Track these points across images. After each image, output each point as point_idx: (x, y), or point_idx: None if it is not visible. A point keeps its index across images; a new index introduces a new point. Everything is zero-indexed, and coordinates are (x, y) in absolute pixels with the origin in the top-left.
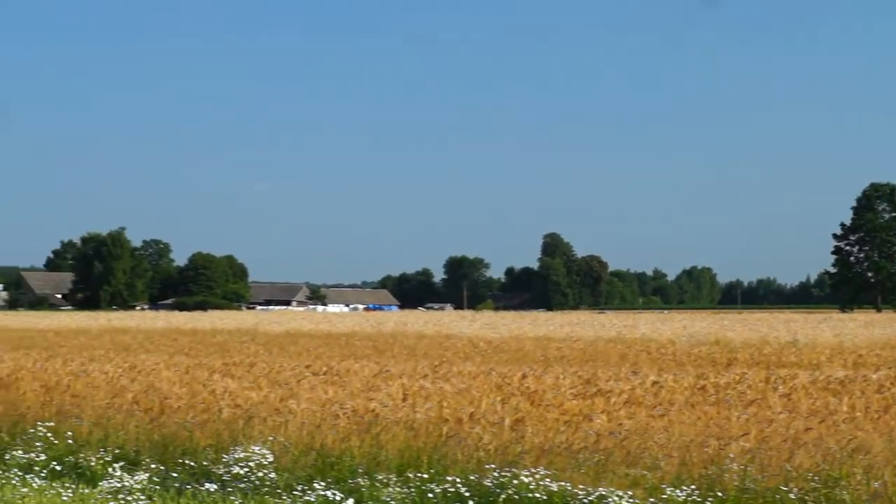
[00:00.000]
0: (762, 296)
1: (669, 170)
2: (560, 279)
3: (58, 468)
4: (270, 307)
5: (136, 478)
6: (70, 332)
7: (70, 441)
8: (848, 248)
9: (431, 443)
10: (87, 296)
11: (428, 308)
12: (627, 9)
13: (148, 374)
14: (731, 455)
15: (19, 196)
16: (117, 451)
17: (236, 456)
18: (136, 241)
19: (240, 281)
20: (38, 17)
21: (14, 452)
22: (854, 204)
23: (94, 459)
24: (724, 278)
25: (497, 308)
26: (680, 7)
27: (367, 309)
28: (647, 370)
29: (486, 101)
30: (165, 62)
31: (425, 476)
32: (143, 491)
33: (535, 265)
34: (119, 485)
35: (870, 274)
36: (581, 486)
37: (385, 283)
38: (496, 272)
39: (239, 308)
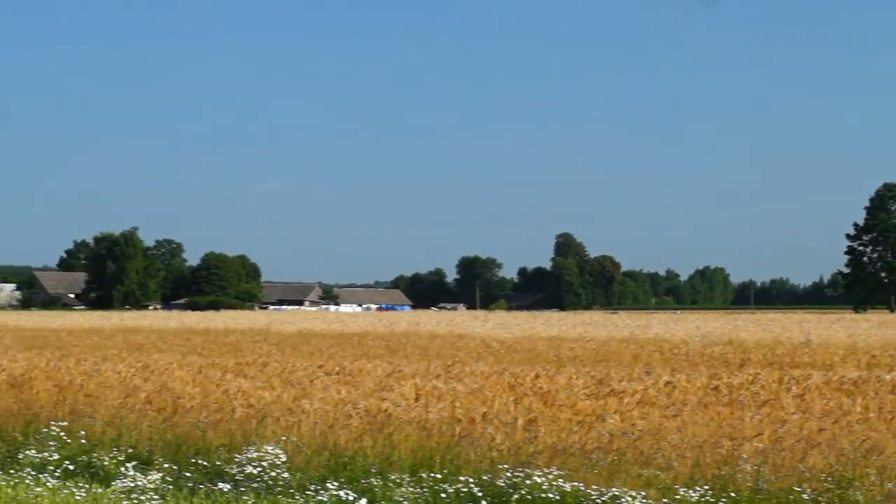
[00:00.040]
0: (775, 296)
1: (682, 170)
2: (573, 279)
3: (71, 468)
4: (283, 307)
5: (149, 477)
6: (83, 331)
7: (83, 440)
8: (861, 248)
9: (444, 443)
10: (99, 295)
11: (440, 308)
12: (627, 8)
13: (161, 374)
14: (745, 455)
15: (32, 196)
16: (130, 451)
17: (249, 456)
18: (148, 241)
19: (252, 281)
20: (38, 17)
21: (27, 452)
22: (867, 204)
23: (107, 459)
24: (736, 278)
25: (510, 308)
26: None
27: (379, 309)
28: (659, 370)
29: (494, 100)
30: (165, 62)
31: (438, 476)
32: (156, 490)
33: (547, 265)
34: (132, 484)
35: (883, 274)
36: (594, 487)
37: (398, 283)
38: (509, 272)
39: (251, 308)
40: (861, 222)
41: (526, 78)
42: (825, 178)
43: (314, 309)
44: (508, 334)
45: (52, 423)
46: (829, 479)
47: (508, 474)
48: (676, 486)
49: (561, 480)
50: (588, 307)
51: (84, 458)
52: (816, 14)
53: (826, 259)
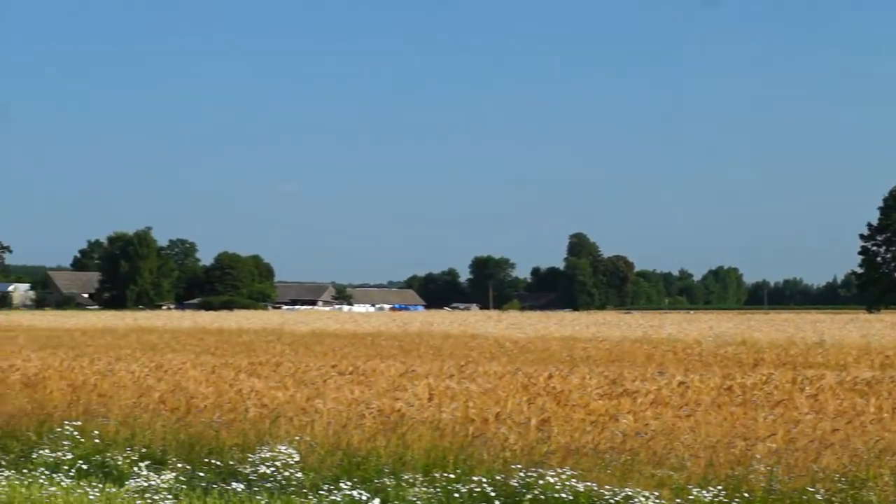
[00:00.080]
0: (789, 296)
1: (694, 170)
2: (586, 279)
3: (84, 467)
4: (296, 307)
5: (162, 477)
6: (96, 331)
7: (97, 440)
8: (875, 248)
9: (457, 443)
10: (113, 295)
11: (454, 308)
12: (628, 9)
13: (174, 374)
14: (758, 456)
15: (44, 196)
16: (144, 451)
17: (263, 455)
18: (162, 241)
19: (266, 281)
20: (38, 17)
21: (41, 451)
22: (881, 204)
23: (120, 458)
24: (750, 279)
25: (523, 308)
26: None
27: (392, 309)
28: (673, 370)
29: (501, 100)
30: (165, 62)
31: (451, 476)
32: (169, 490)
33: (561, 265)
34: (146, 484)
35: None
36: (607, 487)
37: (411, 283)
38: (522, 272)
39: (265, 308)
40: (875, 222)
41: (530, 78)
42: (838, 179)
43: (327, 309)
44: (522, 334)
45: (66, 422)
46: (843, 479)
47: (521, 474)
48: (690, 487)
49: (574, 480)
50: (601, 307)
51: (98, 457)
52: (816, 14)
53: (839, 259)
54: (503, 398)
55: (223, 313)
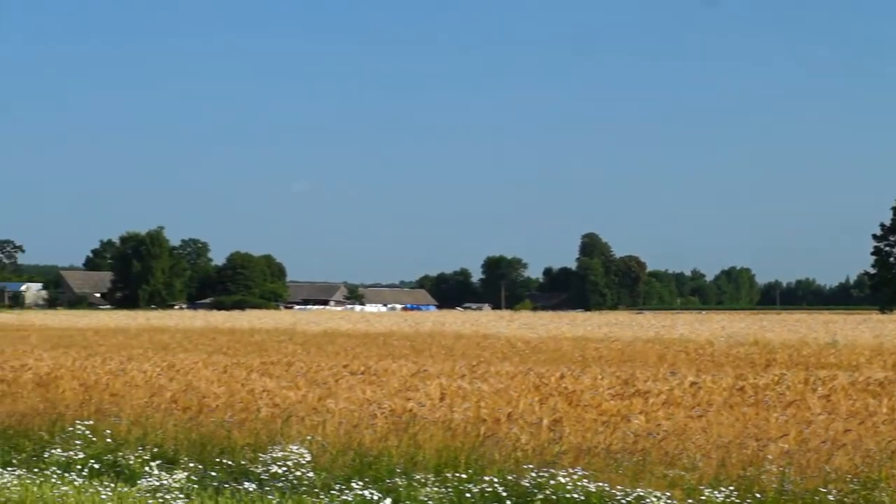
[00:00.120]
0: (801, 297)
1: (707, 170)
2: (598, 279)
3: (96, 466)
4: (308, 307)
5: (174, 476)
6: (109, 331)
7: (109, 439)
8: (887, 248)
9: (469, 443)
10: (125, 295)
11: (466, 308)
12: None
13: (186, 374)
14: (770, 456)
15: (57, 196)
16: (156, 450)
17: (274, 455)
18: (174, 241)
19: (278, 280)
20: (38, 17)
21: (53, 450)
22: (893, 204)
23: (132, 458)
24: (762, 279)
25: (535, 308)
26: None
27: (404, 309)
28: (685, 371)
29: (508, 101)
30: (165, 62)
31: (463, 476)
32: (181, 489)
33: (573, 265)
34: (157, 483)
35: None
36: (619, 487)
37: (423, 282)
38: (534, 272)
39: (277, 307)
40: (887, 223)
41: (539, 78)
42: (850, 179)
43: (339, 309)
44: (534, 334)
45: (78, 421)
46: (855, 480)
47: (533, 474)
48: (701, 487)
49: (585, 481)
50: (613, 307)
51: (109, 456)
52: (817, 14)
53: (852, 260)
54: (515, 398)
55: (235, 313)
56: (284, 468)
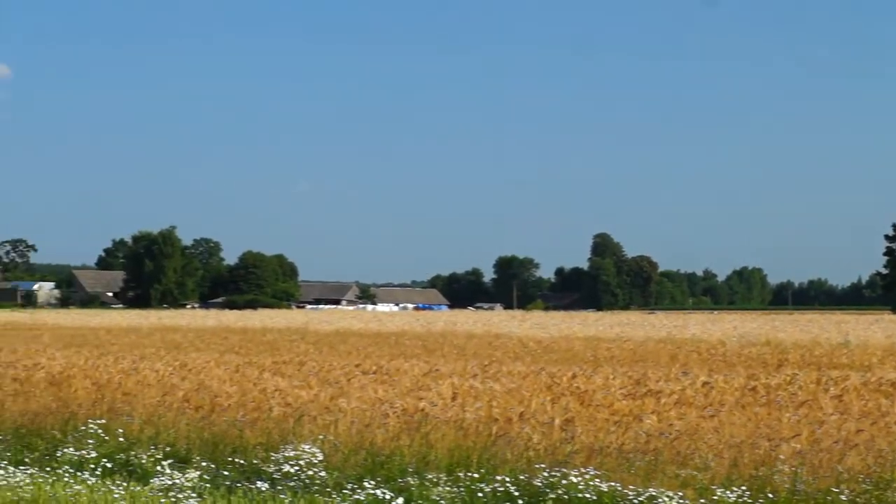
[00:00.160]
0: (813, 297)
1: (718, 170)
2: (610, 279)
3: (109, 465)
4: (320, 306)
5: (186, 475)
6: (121, 330)
7: (121, 438)
8: None
9: (481, 442)
10: (137, 294)
11: (477, 308)
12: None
13: (198, 373)
14: (782, 456)
15: (70, 195)
16: (168, 449)
17: (286, 454)
18: (186, 240)
19: (290, 280)
20: (38, 17)
21: (66, 449)
22: None
23: (144, 457)
24: (774, 279)
25: (547, 308)
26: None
27: (416, 308)
28: (697, 371)
29: (514, 101)
30: (165, 62)
31: (475, 475)
32: (193, 489)
33: (585, 265)
34: (170, 482)
35: None
36: (631, 487)
37: (435, 282)
38: (546, 272)
39: (289, 307)
40: None
41: (534, 78)
42: (862, 179)
43: (351, 308)
44: (545, 334)
45: (91, 421)
46: (867, 480)
47: (545, 474)
48: (714, 487)
49: (598, 480)
50: (625, 307)
51: (122, 455)
52: (817, 14)
53: (864, 260)
54: (527, 398)
55: (247, 312)
56: (296, 467)
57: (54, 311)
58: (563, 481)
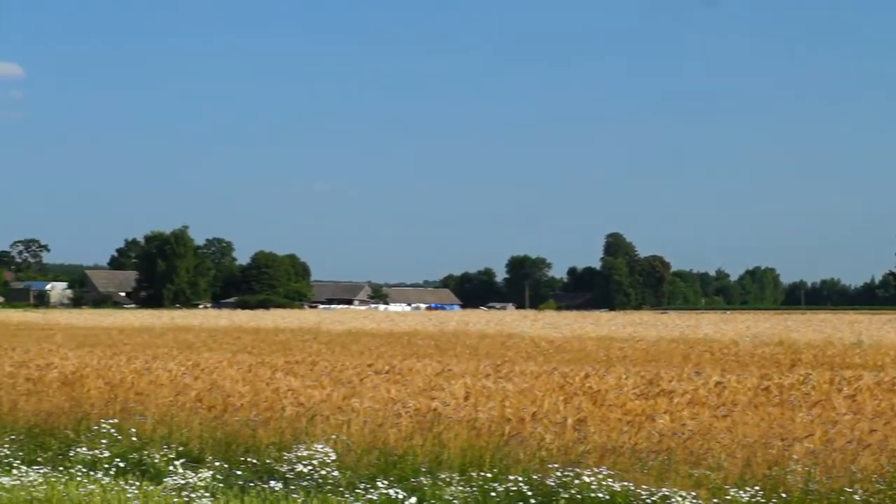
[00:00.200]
0: (826, 297)
1: (731, 171)
2: (622, 279)
3: (122, 465)
4: (332, 306)
5: (199, 475)
6: (134, 330)
7: (134, 438)
8: None
9: (494, 442)
10: (150, 294)
11: (490, 307)
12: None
13: (211, 373)
14: (795, 456)
15: (82, 195)
16: (181, 449)
17: (299, 454)
18: (199, 240)
19: (302, 280)
20: (39, 17)
21: (79, 449)
22: None
23: (157, 457)
24: (787, 279)
25: (559, 308)
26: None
27: (428, 308)
28: (710, 371)
29: (521, 100)
30: (165, 62)
31: (488, 475)
32: (206, 488)
33: (597, 265)
34: (183, 482)
35: None
36: (644, 487)
37: (447, 282)
38: (558, 272)
39: (301, 307)
40: None
41: (534, 77)
42: (875, 178)
43: (363, 308)
44: (558, 334)
45: (104, 420)
46: (881, 480)
47: (558, 474)
48: (727, 487)
49: (610, 480)
50: (638, 307)
51: (135, 455)
52: (817, 14)
53: (877, 260)
54: (539, 398)
55: (259, 312)
56: (309, 467)
57: (67, 311)
58: (576, 481)
